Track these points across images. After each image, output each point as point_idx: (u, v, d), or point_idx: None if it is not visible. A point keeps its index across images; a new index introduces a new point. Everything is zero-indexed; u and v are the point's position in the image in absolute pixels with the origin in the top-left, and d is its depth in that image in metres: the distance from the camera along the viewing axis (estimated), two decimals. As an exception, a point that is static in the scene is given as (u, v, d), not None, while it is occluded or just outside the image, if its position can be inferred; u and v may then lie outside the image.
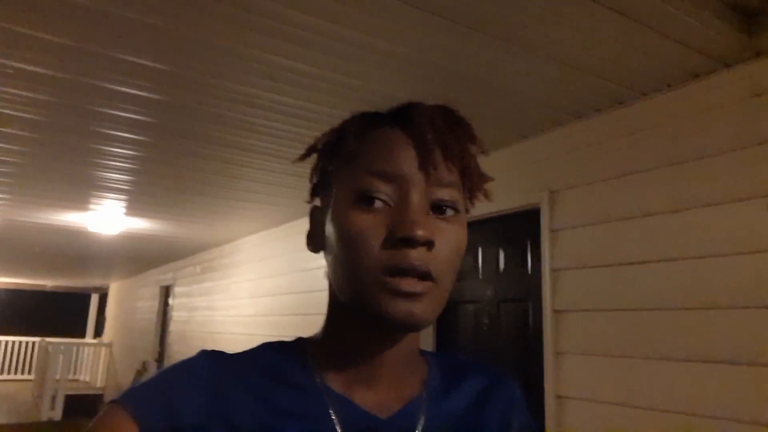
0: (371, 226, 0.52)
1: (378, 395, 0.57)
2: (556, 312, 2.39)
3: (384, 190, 0.53)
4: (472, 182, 0.58)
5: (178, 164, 3.28)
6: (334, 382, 0.57)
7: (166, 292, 9.04)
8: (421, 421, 0.58)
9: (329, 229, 0.56)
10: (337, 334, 0.59)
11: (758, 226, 1.78)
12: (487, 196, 0.61)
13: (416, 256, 0.51)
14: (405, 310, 0.51)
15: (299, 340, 0.62)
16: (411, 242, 0.51)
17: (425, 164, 0.54)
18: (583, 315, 2.27)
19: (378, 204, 0.53)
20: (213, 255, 7.00)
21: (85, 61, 1.98)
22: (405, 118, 0.57)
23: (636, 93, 2.15)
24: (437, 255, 0.52)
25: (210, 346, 0.61)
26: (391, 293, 0.51)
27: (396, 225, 0.52)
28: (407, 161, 0.54)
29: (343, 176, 0.56)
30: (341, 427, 0.54)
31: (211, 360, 0.57)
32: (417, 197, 0.53)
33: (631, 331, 2.09)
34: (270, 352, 0.60)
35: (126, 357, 10.32)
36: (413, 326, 0.52)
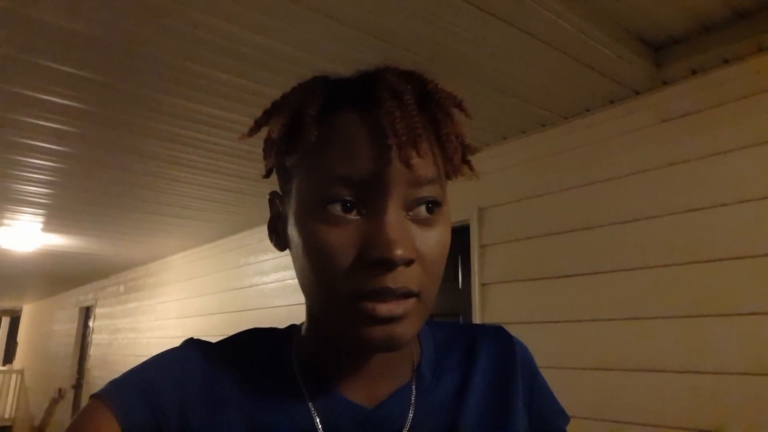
0: (341, 243, 0.45)
1: (365, 384, 0.54)
2: (486, 326, 2.46)
3: (352, 198, 0.46)
4: (454, 162, 0.51)
5: (102, 177, 3.14)
6: (318, 374, 0.54)
7: (86, 313, 8.55)
8: (411, 409, 0.54)
9: (293, 233, 0.50)
10: (317, 331, 0.55)
11: (666, 241, 1.92)
12: (472, 168, 0.55)
13: (395, 278, 0.44)
14: (384, 335, 0.45)
15: (289, 328, 0.59)
16: (389, 264, 0.44)
17: (399, 162, 0.45)
18: (511, 328, 2.35)
19: (348, 215, 0.46)
20: (138, 274, 6.71)
21: (4, 67, 1.89)
22: (368, 96, 0.48)
23: (558, 117, 2.28)
24: (420, 267, 0.47)
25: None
26: (369, 319, 0.45)
27: (370, 243, 0.45)
28: (377, 160, 0.45)
29: (304, 174, 0.49)
30: (321, 419, 0.51)
31: (198, 352, 0.54)
32: (392, 205, 0.46)
33: (560, 343, 2.19)
34: (254, 342, 0.57)
35: (40, 384, 9.62)
36: (394, 348, 0.46)
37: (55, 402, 8.35)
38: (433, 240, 0.48)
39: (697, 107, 1.91)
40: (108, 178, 3.15)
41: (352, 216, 0.46)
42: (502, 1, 1.51)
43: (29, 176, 3.08)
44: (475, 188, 2.63)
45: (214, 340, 0.58)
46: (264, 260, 4.17)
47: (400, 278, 0.45)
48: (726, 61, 1.82)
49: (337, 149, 0.47)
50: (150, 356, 0.54)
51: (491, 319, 2.45)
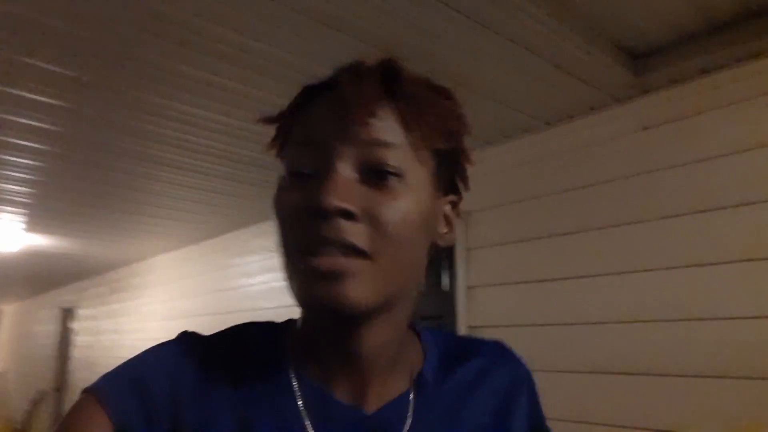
0: (295, 204, 0.47)
1: (362, 389, 0.52)
2: (472, 328, 2.48)
3: (308, 161, 0.48)
4: (432, 140, 0.50)
5: (86, 177, 3.12)
6: (313, 374, 0.52)
7: (68, 314, 8.45)
8: (409, 418, 0.53)
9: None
10: (307, 325, 0.54)
11: (647, 246, 1.96)
12: (468, 160, 0.59)
13: (330, 228, 0.44)
14: (326, 293, 0.44)
15: (287, 322, 0.58)
16: (320, 212, 0.44)
17: (352, 123, 0.47)
18: (497, 330, 2.38)
19: (305, 177, 0.48)
20: (122, 275, 6.65)
21: (-14, 66, 1.87)
22: (336, 79, 0.51)
23: (541, 122, 2.31)
24: (372, 228, 0.45)
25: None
26: (311, 275, 0.44)
27: (310, 196, 0.46)
28: (327, 123, 0.48)
29: (284, 156, 0.53)
30: (312, 422, 0.50)
31: (191, 345, 0.53)
32: (341, 163, 0.46)
33: (545, 346, 2.21)
34: (249, 336, 0.56)
35: (21, 386, 9.50)
36: (346, 310, 0.44)
37: (35, 404, 8.24)
38: (389, 203, 0.47)
39: (677, 115, 1.94)
40: (92, 177, 3.12)
41: (309, 180, 0.47)
42: (487, 7, 1.53)
43: (12, 175, 3.05)
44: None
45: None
46: (250, 262, 4.15)
47: (337, 230, 0.44)
48: (704, 71, 1.86)
49: (303, 121, 0.51)
50: (142, 350, 0.54)
51: (477, 321, 2.47)
